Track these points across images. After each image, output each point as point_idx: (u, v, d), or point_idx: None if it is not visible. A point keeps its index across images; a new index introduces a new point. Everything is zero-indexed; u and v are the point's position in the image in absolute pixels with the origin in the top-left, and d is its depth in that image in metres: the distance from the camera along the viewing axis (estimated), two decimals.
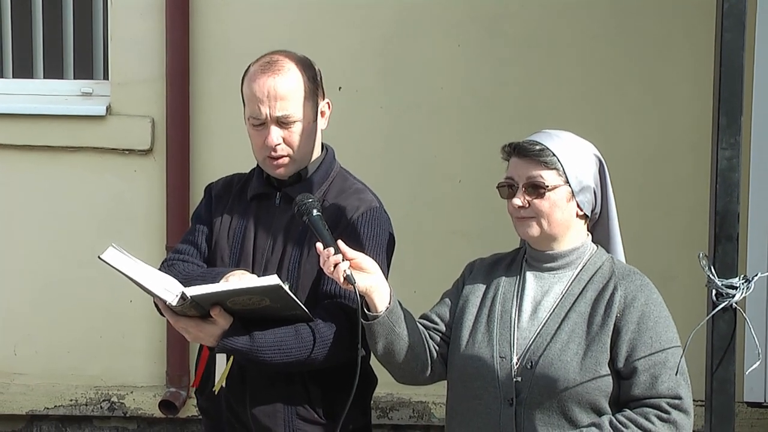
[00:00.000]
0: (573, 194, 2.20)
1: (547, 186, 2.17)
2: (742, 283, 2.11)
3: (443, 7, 3.99)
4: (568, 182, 2.19)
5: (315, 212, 2.20)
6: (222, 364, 2.32)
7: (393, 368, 2.26)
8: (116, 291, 3.98)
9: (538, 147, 2.19)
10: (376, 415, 3.99)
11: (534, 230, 2.20)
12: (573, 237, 2.24)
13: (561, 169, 2.18)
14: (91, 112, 4.09)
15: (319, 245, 2.16)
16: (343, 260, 2.13)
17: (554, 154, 2.18)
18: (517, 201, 2.19)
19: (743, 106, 2.12)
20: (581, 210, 2.22)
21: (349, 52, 4.00)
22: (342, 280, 2.13)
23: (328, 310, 2.26)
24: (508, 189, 2.22)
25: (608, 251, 2.29)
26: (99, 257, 2.16)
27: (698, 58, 3.84)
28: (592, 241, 2.29)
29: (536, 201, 2.18)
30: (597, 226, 2.31)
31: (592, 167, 2.24)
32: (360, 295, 2.14)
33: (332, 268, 2.13)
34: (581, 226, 2.25)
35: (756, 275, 2.12)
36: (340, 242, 2.16)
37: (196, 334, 2.23)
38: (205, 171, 4.03)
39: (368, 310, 2.18)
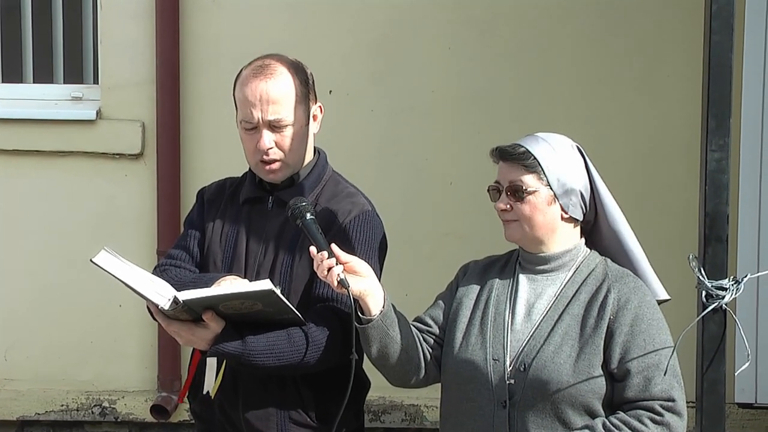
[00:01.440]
0: (555, 197, 2.20)
1: (526, 189, 2.19)
2: (732, 285, 2.11)
3: (434, 9, 3.99)
4: (549, 185, 2.19)
5: (309, 216, 2.20)
6: (212, 367, 2.32)
7: (387, 371, 2.26)
8: (107, 295, 3.97)
9: (519, 150, 2.20)
10: (368, 419, 3.98)
11: (516, 233, 2.22)
12: (562, 239, 2.24)
13: (542, 172, 2.19)
14: (81, 116, 4.08)
15: (313, 249, 2.16)
16: (336, 264, 2.13)
17: (535, 158, 2.19)
18: (501, 204, 2.21)
19: (732, 108, 2.13)
20: (566, 213, 2.23)
21: (340, 55, 4.01)
22: (336, 283, 2.13)
23: (321, 314, 2.26)
24: (495, 192, 2.24)
25: (638, 276, 2.23)
26: (91, 260, 2.15)
27: (691, 60, 3.85)
28: (599, 253, 2.27)
29: (518, 204, 2.20)
30: (598, 235, 2.29)
31: (581, 170, 2.24)
32: (354, 298, 2.14)
33: (326, 272, 2.13)
34: (570, 228, 2.25)
35: (745, 276, 2.13)
36: (333, 246, 2.16)
37: (188, 338, 2.23)
38: (195, 175, 4.03)
39: (362, 313, 2.18)
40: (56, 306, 4.12)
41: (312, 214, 2.20)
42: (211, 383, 2.32)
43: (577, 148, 2.27)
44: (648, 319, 2.18)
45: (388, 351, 2.21)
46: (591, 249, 2.28)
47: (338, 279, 2.12)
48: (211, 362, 2.31)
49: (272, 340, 2.21)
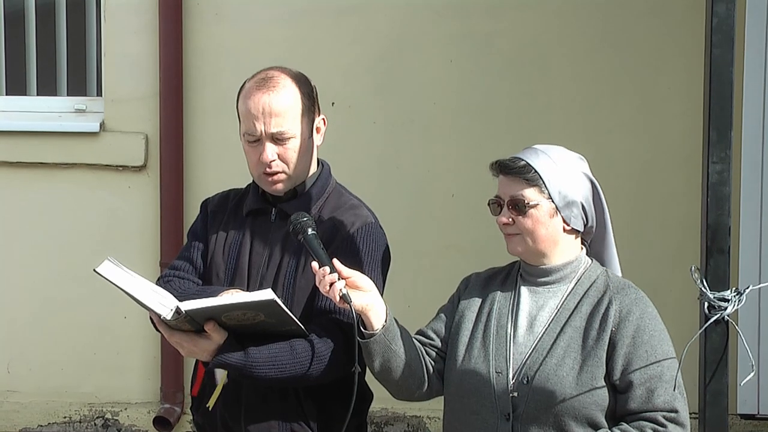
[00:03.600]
0: (557, 210, 2.21)
1: (528, 203, 2.19)
2: (734, 296, 2.12)
3: (436, 23, 4.02)
4: (551, 198, 2.20)
5: (310, 231, 2.20)
6: (220, 379, 2.32)
7: (390, 385, 2.26)
8: (110, 307, 3.98)
9: (520, 164, 2.21)
10: (371, 430, 3.98)
11: (519, 247, 2.22)
12: (563, 251, 2.25)
13: (543, 185, 2.19)
14: (84, 128, 4.11)
15: (315, 264, 2.16)
16: (338, 279, 2.14)
17: (536, 171, 2.19)
18: (503, 218, 2.22)
19: (733, 120, 2.14)
20: (568, 225, 2.23)
21: (342, 67, 4.03)
22: (338, 299, 2.13)
23: (324, 325, 2.26)
24: (497, 207, 2.24)
25: (603, 264, 2.30)
26: (94, 270, 2.16)
27: (690, 72, 3.87)
28: (590, 254, 2.30)
29: (520, 218, 2.20)
30: (594, 239, 2.31)
31: (581, 182, 2.24)
32: (356, 313, 2.15)
33: (328, 287, 2.14)
34: (571, 240, 2.26)
35: (747, 288, 2.14)
36: (335, 261, 2.16)
37: (190, 349, 2.23)
38: (198, 187, 4.04)
39: (364, 328, 2.18)
40: (59, 318, 4.13)
41: (313, 230, 2.20)
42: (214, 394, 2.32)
43: (583, 170, 2.26)
44: (650, 330, 2.18)
45: (390, 365, 2.21)
46: (593, 259, 2.29)
47: (340, 294, 2.12)
48: (220, 374, 2.31)
49: (275, 351, 2.21)
